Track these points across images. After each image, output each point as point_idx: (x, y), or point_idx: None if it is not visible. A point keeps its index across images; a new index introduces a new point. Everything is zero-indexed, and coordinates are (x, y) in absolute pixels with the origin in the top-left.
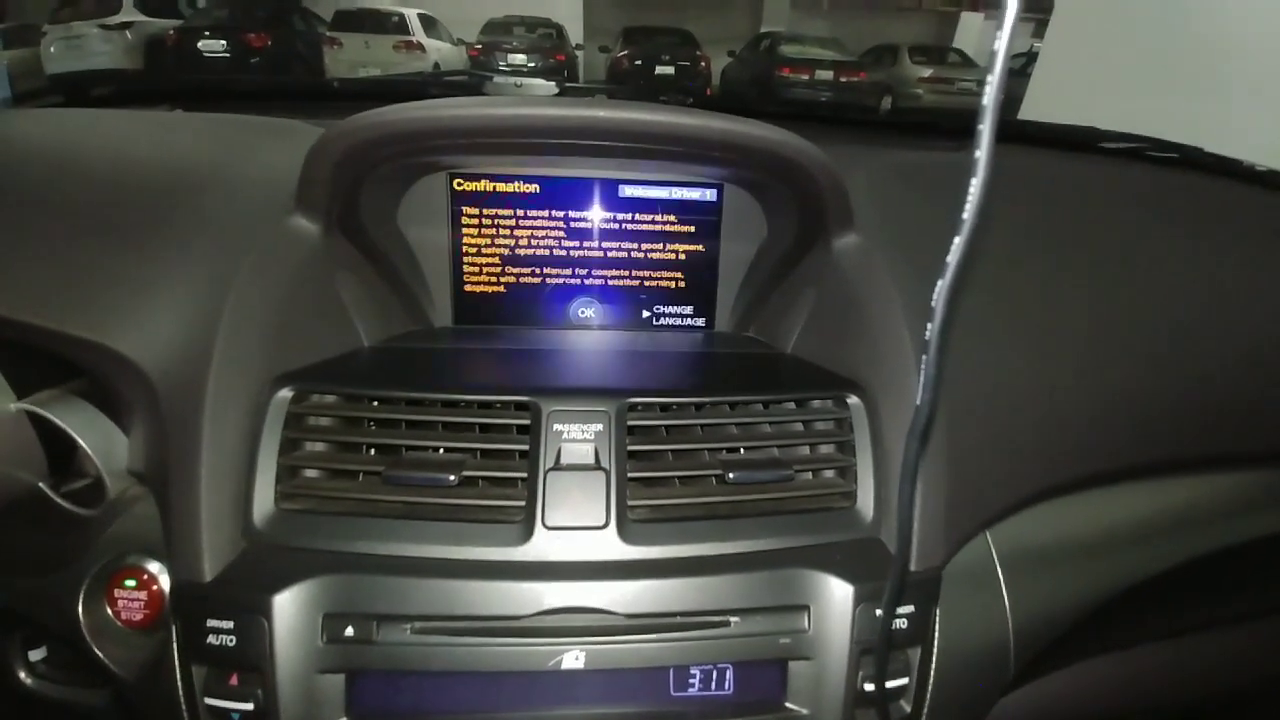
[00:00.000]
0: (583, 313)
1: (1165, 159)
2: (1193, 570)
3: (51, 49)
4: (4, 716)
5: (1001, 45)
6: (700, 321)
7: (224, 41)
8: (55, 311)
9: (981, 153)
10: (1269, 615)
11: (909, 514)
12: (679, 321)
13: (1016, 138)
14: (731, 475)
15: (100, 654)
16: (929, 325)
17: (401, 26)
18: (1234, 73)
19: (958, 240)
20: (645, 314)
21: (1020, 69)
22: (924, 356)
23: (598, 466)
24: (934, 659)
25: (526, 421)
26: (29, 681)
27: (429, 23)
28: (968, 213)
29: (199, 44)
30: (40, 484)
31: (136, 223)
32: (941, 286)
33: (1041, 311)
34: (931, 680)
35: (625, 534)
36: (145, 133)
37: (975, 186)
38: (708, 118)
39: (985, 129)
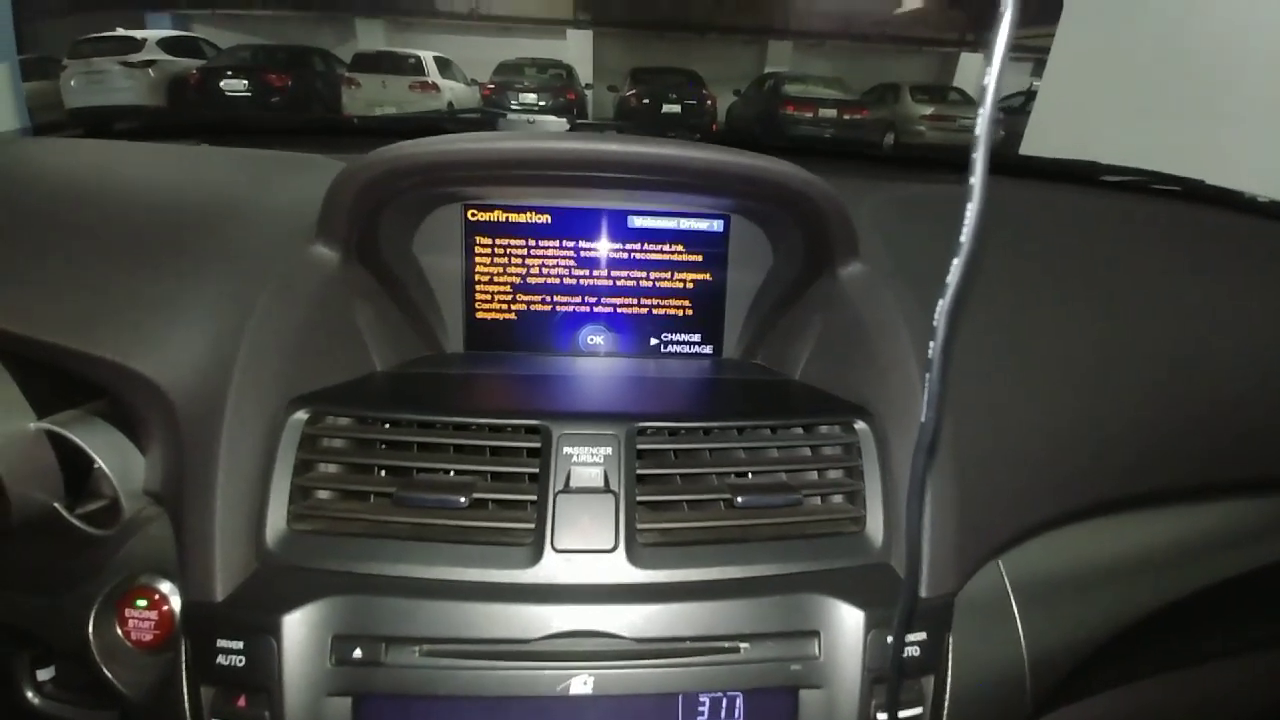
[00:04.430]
0: (592, 340)
1: (1166, 191)
2: (1207, 598)
3: (72, 83)
4: None
5: (991, 79)
6: (708, 349)
7: (246, 81)
8: (81, 333)
9: (976, 179)
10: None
11: (917, 531)
12: (687, 349)
13: (1018, 171)
14: (740, 500)
15: (109, 674)
16: (931, 344)
17: (418, 68)
18: (1234, 108)
19: (956, 261)
20: (654, 341)
21: (1020, 106)
22: (927, 375)
23: (607, 490)
24: (948, 689)
25: (536, 445)
26: (36, 701)
27: (444, 64)
28: (965, 236)
29: (221, 83)
30: (56, 504)
31: (160, 249)
32: (942, 306)
33: (1045, 340)
34: (946, 711)
35: (634, 557)
36: (169, 164)
37: (971, 212)
38: (714, 151)
39: (979, 157)
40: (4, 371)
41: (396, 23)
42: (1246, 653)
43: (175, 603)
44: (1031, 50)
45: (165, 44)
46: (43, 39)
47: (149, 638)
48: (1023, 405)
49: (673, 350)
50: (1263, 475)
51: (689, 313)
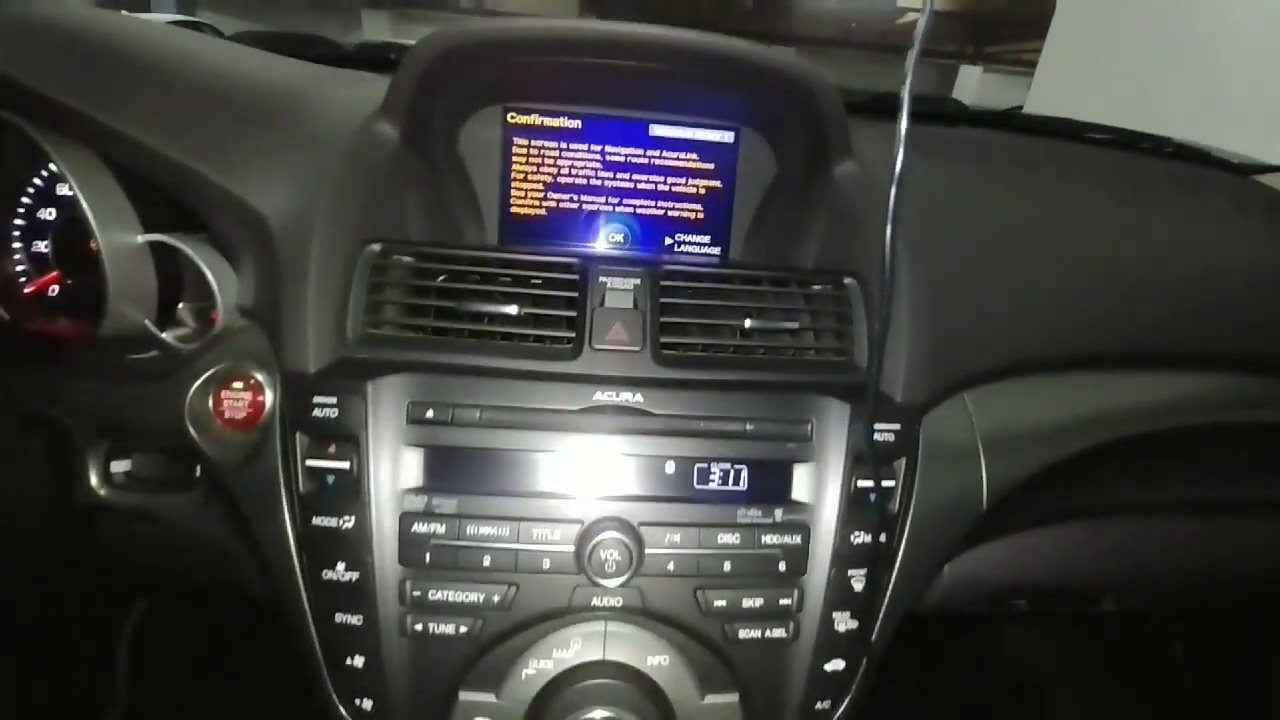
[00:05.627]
0: (613, 237)
1: (1137, 146)
2: (1135, 449)
3: None
4: (59, 536)
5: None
6: (716, 251)
7: None
8: (208, 160)
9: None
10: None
11: (888, 313)
12: (697, 250)
13: (1004, 125)
14: (749, 323)
15: (203, 447)
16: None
17: None
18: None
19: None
20: (668, 241)
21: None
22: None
23: (636, 309)
24: (918, 469)
25: (575, 277)
26: (103, 493)
27: None
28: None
29: None
30: (147, 322)
31: (256, 107)
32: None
33: (1013, 232)
34: (916, 487)
35: (659, 359)
36: (246, 51)
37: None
38: (738, 41)
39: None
40: (117, 186)
41: (402, 14)
42: (1168, 511)
43: (268, 386)
44: (1020, 64)
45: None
46: None
47: (242, 415)
48: (991, 273)
49: (684, 251)
50: (1193, 351)
51: (700, 217)
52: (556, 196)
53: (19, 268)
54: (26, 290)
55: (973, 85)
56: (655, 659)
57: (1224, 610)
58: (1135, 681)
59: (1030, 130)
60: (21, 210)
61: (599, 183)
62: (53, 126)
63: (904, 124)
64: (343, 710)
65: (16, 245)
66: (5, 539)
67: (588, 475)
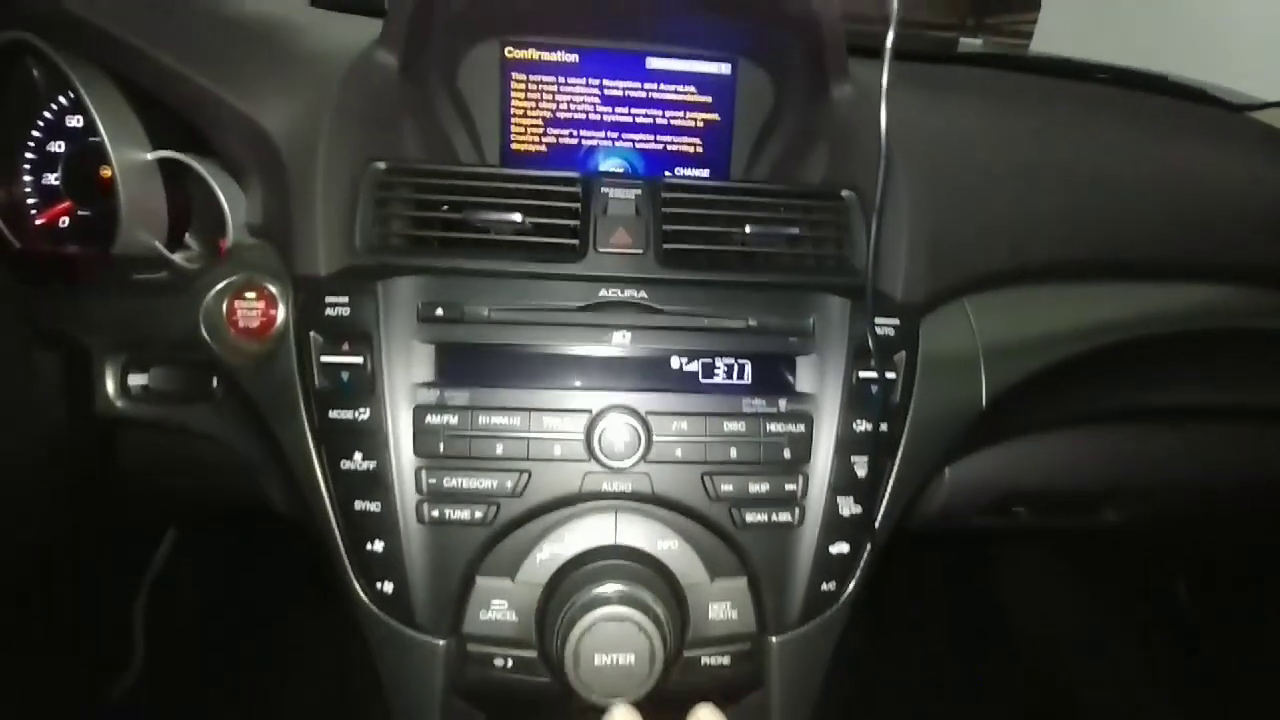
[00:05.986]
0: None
1: (1135, 83)
2: (1130, 356)
3: None
4: (80, 450)
5: None
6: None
7: None
8: (222, 84)
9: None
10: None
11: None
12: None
13: (1005, 65)
14: (749, 228)
15: (219, 352)
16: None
17: None
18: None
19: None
20: (667, 175)
21: None
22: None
23: (639, 215)
24: (919, 365)
25: (578, 190)
26: (120, 405)
27: None
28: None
29: None
30: (157, 243)
31: (264, 33)
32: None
33: (1009, 152)
34: (918, 381)
35: (662, 260)
36: None
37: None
38: None
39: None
40: (126, 105)
41: None
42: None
43: (280, 297)
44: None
45: None
46: None
47: (256, 325)
48: (989, 187)
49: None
50: (1182, 262)
51: (699, 150)
52: (556, 132)
53: (30, 200)
54: (38, 221)
55: (978, 50)
56: (665, 543)
57: (1226, 551)
58: (1139, 623)
59: (1030, 69)
60: (31, 144)
61: (598, 117)
62: (71, 50)
63: (894, 16)
64: (364, 595)
65: (27, 178)
66: (28, 454)
67: (596, 368)
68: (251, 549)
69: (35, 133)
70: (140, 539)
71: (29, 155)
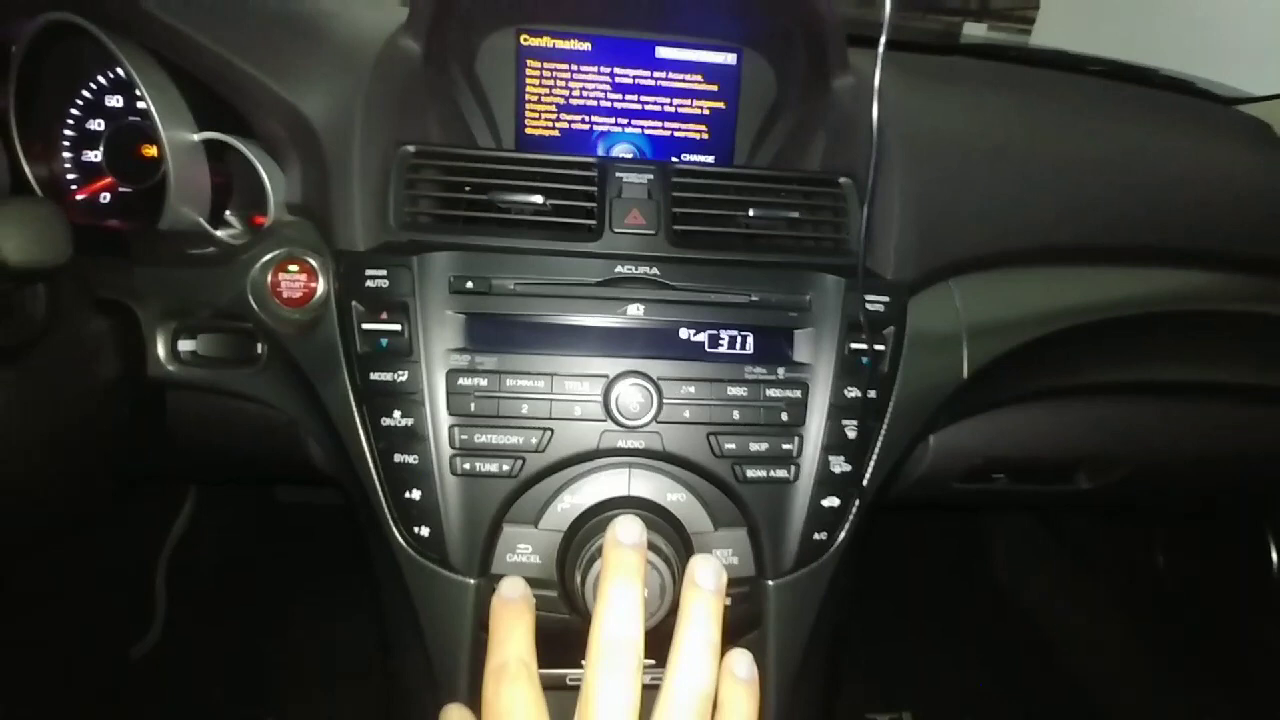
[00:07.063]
0: (623, 156)
1: (1126, 75)
2: (1106, 334)
3: None
4: (130, 409)
5: None
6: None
7: None
8: (264, 69)
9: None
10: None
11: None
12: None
13: (1000, 57)
14: (752, 211)
15: (264, 317)
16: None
17: None
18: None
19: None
20: (674, 160)
21: None
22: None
23: (650, 199)
24: (906, 338)
25: (594, 174)
26: (171, 368)
27: None
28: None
29: None
30: (201, 219)
31: (300, 21)
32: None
33: (997, 132)
34: (904, 353)
35: (672, 240)
36: None
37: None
38: None
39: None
40: (174, 87)
41: None
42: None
43: (320, 270)
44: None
45: None
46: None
47: (298, 295)
48: (979, 174)
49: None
50: (1167, 248)
51: (705, 137)
52: (569, 117)
53: (70, 176)
54: (79, 196)
55: (977, 40)
56: (674, 495)
57: (1203, 521)
58: (1119, 592)
59: (1024, 61)
60: (71, 121)
61: (609, 104)
62: (118, 33)
63: (887, 20)
64: (402, 539)
65: (67, 155)
66: (83, 412)
67: (612, 337)
68: (271, 513)
69: (75, 110)
70: (162, 501)
71: (68, 133)
